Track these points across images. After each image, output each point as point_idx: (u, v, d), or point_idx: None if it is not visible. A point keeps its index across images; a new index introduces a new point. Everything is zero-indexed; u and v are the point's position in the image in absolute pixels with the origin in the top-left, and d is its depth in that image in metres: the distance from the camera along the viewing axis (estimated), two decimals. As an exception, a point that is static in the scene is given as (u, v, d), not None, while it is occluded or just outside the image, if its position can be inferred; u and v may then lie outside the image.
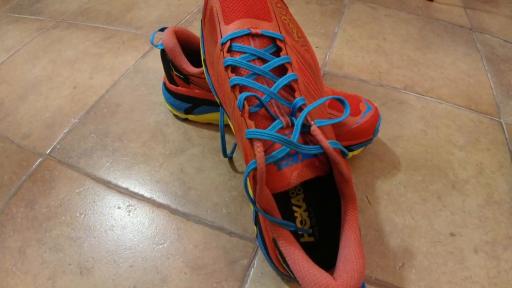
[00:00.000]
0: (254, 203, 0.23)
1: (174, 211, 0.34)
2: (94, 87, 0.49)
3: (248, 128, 0.23)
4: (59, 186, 0.37)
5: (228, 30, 0.26)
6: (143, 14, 0.65)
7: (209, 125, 0.43)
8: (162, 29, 0.39)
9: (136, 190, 0.36)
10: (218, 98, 0.30)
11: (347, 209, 0.24)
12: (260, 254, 0.31)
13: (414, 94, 0.49)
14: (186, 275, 0.30)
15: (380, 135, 0.42)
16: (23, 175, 0.38)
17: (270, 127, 0.24)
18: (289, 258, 0.22)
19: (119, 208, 0.35)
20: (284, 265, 0.25)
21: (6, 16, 0.67)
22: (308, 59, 0.28)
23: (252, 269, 0.30)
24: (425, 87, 0.50)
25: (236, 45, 0.26)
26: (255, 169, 0.22)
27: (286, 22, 0.29)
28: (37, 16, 0.66)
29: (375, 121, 0.36)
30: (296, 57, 0.27)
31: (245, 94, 0.24)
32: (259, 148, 0.21)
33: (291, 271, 0.24)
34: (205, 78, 0.37)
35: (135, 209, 0.35)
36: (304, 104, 0.24)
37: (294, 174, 0.24)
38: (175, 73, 0.39)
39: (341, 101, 0.24)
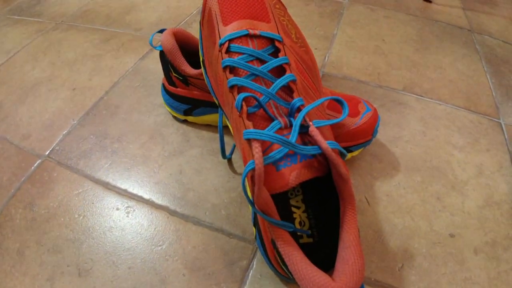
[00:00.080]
0: (252, 204, 0.23)
1: (173, 213, 0.34)
2: (93, 88, 0.49)
3: (246, 129, 0.23)
4: (58, 187, 0.37)
5: (227, 31, 0.26)
6: (143, 16, 0.65)
7: (208, 126, 0.43)
8: (161, 31, 0.40)
9: (135, 192, 0.36)
10: (216, 99, 0.30)
11: (346, 210, 0.24)
12: (259, 255, 0.31)
13: (413, 95, 0.49)
14: (185, 277, 0.30)
15: (379, 136, 0.42)
16: (22, 176, 0.38)
17: (269, 127, 0.24)
18: (287, 259, 0.22)
19: (118, 209, 0.35)
20: (282, 267, 0.25)
21: (5, 18, 0.67)
22: (306, 60, 0.28)
23: (251, 271, 0.30)
24: (424, 88, 0.50)
25: (235, 45, 0.26)
26: (253, 169, 0.22)
27: (285, 23, 0.29)
28: (36, 18, 0.66)
29: (374, 122, 0.36)
30: (294, 58, 0.27)
31: (243, 94, 0.24)
32: (257, 149, 0.21)
33: (290, 272, 0.24)
34: (204, 79, 0.37)
35: (134, 210, 0.35)
36: (302, 105, 0.24)
37: (292, 174, 0.24)
38: (174, 74, 0.39)
39: (339, 101, 0.24)
